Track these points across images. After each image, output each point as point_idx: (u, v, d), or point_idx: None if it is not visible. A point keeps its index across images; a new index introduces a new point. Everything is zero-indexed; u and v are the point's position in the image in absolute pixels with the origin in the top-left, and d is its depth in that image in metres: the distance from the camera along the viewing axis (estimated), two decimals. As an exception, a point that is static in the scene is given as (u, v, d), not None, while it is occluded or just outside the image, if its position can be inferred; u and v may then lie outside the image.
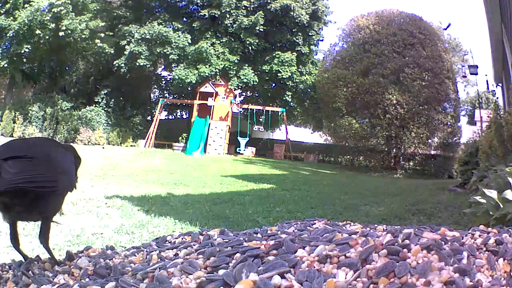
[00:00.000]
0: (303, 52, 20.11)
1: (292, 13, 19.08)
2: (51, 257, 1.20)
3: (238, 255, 1.00)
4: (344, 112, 15.57)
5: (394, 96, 14.48)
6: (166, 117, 22.95)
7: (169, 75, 21.69)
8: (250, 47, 19.72)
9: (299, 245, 1.04)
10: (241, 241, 1.14)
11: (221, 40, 19.64)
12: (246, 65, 19.44)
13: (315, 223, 1.37)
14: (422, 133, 14.85)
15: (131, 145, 18.72)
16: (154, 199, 5.75)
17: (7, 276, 1.10)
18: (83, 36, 17.43)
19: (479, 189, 3.40)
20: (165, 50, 18.54)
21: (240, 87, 19.83)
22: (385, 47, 15.33)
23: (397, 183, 9.97)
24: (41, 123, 17.69)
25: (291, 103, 20.54)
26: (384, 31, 15.68)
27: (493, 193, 2.95)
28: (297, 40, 19.99)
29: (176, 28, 19.41)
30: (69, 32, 16.76)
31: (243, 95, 22.04)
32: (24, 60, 18.02)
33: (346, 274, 0.86)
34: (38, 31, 16.13)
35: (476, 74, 18.03)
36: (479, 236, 1.09)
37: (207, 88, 18.92)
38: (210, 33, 19.47)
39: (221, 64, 18.81)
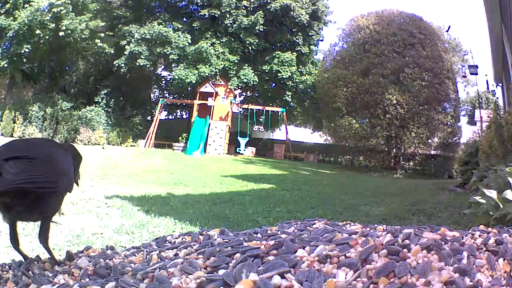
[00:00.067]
0: (303, 52, 20.11)
1: (292, 13, 19.08)
2: (51, 257, 1.21)
3: (238, 255, 1.00)
4: (344, 112, 15.57)
5: (394, 96, 14.49)
6: (166, 117, 22.94)
7: (169, 75, 21.70)
8: (250, 47, 19.72)
9: (299, 245, 1.04)
10: (241, 241, 1.14)
11: (221, 40, 19.65)
12: (246, 65, 19.44)
13: (315, 223, 1.37)
14: (422, 133, 14.85)
15: (131, 145, 18.72)
16: (154, 199, 5.75)
17: (7, 276, 1.10)
18: (83, 36, 17.43)
19: (479, 189, 3.40)
20: (165, 50, 18.54)
21: (240, 87, 19.83)
22: (385, 47, 15.33)
23: (397, 183, 9.98)
24: (41, 123, 17.70)
25: (291, 103, 20.54)
26: (384, 31, 15.68)
27: (493, 193, 2.95)
28: (297, 40, 19.99)
29: (176, 28, 19.41)
30: (69, 32, 16.76)
31: (243, 95, 22.03)
32: (24, 60, 18.02)
33: (346, 274, 0.86)
34: (38, 31, 16.13)
35: (476, 74, 18.04)
36: (479, 236, 1.09)
37: (207, 88, 18.92)
38: (210, 33, 19.48)
39: (221, 64, 18.81)
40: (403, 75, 14.75)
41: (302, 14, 19.19)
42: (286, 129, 20.08)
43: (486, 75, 22.55)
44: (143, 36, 18.36)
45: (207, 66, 18.53)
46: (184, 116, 23.57)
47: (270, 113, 19.62)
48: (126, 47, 18.78)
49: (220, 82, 19.37)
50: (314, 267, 0.90)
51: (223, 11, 18.84)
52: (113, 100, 20.80)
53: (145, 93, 22.96)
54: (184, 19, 20.71)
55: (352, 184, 9.07)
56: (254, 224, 4.14)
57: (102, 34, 18.68)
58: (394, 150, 15.75)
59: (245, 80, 19.04)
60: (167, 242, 1.38)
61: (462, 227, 2.91)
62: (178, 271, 0.96)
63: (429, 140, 15.67)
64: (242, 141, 18.80)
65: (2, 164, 1.02)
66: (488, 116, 8.31)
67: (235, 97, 20.01)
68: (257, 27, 18.78)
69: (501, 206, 2.78)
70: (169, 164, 11.55)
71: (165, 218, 4.36)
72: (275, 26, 20.20)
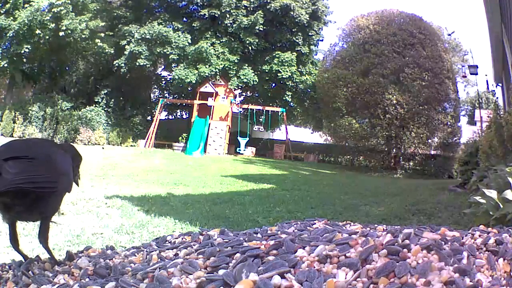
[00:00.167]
0: (303, 52, 20.11)
1: (292, 13, 19.08)
2: (51, 257, 1.21)
3: (238, 255, 1.00)
4: (344, 112, 15.57)
5: (394, 96, 14.49)
6: (166, 117, 22.95)
7: (169, 75, 21.70)
8: (250, 47, 19.72)
9: (299, 245, 1.04)
10: (241, 241, 1.14)
11: (221, 40, 19.65)
12: (246, 65, 19.44)
13: (315, 223, 1.37)
14: (422, 133, 14.85)
15: (131, 145, 18.72)
16: (154, 199, 5.75)
17: (7, 276, 1.10)
18: (83, 36, 17.43)
19: (479, 189, 3.40)
20: (165, 50, 18.54)
21: (240, 87, 19.83)
22: (385, 47, 15.33)
23: (397, 183, 9.97)
24: (41, 123, 17.70)
25: (291, 103, 20.54)
26: (384, 31, 15.68)
27: (493, 193, 2.95)
28: (297, 40, 19.99)
29: (176, 28, 19.41)
30: (69, 32, 16.76)
31: (243, 95, 22.03)
32: (24, 60, 18.02)
33: (346, 274, 0.86)
34: (38, 31, 16.13)
35: (476, 74, 18.03)
36: (479, 236, 1.09)
37: (207, 88, 18.92)
38: (210, 33, 19.48)
39: (221, 64, 18.81)
40: (403, 75, 14.75)
41: (302, 14, 19.19)
42: (286, 129, 20.08)
43: (486, 75, 22.56)
44: (143, 36, 18.36)
45: (207, 66, 18.54)
46: (184, 116, 23.58)
47: (270, 113, 19.62)
48: (126, 47, 18.78)
49: (220, 82, 19.37)
50: (314, 267, 0.90)
51: (223, 11, 18.84)
52: (113, 100, 20.80)
53: (145, 93, 22.96)
54: (184, 19, 20.71)
55: (352, 184, 9.07)
56: (254, 224, 4.14)
57: (102, 34, 18.68)
58: (394, 150, 15.75)
59: (245, 80, 19.04)
60: (167, 242, 1.38)
61: (462, 227, 2.91)
62: (178, 271, 0.96)
63: (429, 140, 15.67)
64: (242, 141, 18.80)
65: (2, 164, 1.02)
66: (488, 116, 8.31)
67: (235, 97, 20.02)
68: (257, 27, 18.78)
69: (501, 206, 2.78)
70: (169, 164, 11.55)
71: (165, 218, 4.36)
72: (275, 26, 20.20)
